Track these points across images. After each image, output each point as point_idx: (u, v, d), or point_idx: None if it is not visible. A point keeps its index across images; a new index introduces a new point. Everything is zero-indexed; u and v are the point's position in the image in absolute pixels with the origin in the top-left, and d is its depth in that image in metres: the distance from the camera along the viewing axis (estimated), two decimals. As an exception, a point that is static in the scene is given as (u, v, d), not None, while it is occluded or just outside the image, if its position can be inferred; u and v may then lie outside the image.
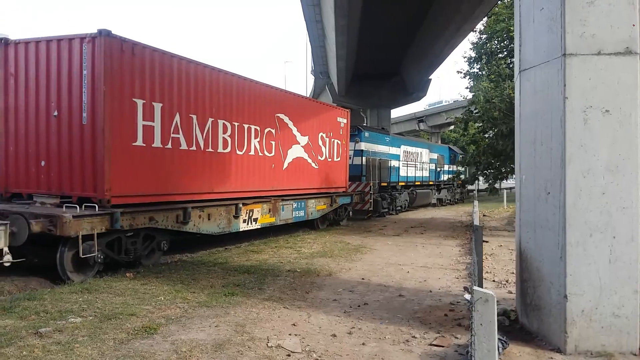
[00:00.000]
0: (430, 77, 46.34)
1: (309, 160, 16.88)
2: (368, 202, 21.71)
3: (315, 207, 17.16)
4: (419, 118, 67.01)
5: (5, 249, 7.87)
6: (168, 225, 10.52)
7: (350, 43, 32.35)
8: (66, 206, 9.12)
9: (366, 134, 23.18)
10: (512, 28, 24.31)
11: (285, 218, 15.20)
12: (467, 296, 7.91)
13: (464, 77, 34.80)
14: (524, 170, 6.67)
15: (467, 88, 46.35)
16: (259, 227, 13.92)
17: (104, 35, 9.18)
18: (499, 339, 5.39)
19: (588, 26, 5.70)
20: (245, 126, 13.46)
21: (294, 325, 6.53)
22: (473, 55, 32.78)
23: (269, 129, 14.52)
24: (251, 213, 13.49)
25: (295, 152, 16.03)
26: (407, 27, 33.10)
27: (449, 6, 27.77)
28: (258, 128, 14.01)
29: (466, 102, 26.65)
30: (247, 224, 13.30)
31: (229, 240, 13.49)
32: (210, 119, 12.03)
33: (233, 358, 5.32)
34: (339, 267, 10.49)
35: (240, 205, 12.85)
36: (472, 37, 34.07)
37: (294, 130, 15.92)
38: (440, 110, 63.43)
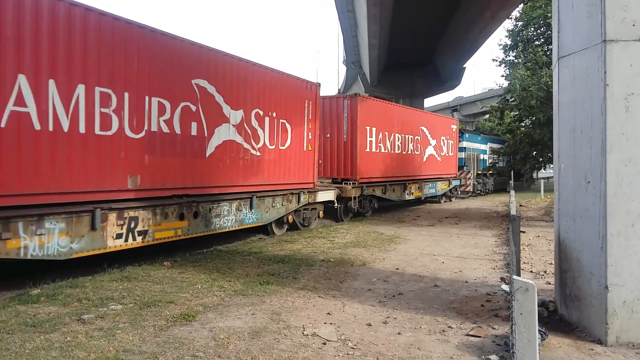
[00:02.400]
0: (464, 66, 45.65)
1: (436, 155, 24.24)
2: (469, 185, 29.27)
3: (440, 187, 25.14)
4: (453, 107, 66.08)
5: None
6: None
7: (382, 32, 32.10)
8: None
9: (467, 135, 30.75)
10: (549, 15, 23.69)
11: (426, 194, 23.53)
12: (505, 287, 7.83)
13: (499, 65, 34.16)
14: (563, 159, 6.53)
15: (502, 76, 45.46)
16: (414, 198, 22.50)
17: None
18: (538, 330, 5.32)
19: (629, 11, 5.53)
20: (409, 137, 21.35)
21: (329, 314, 6.57)
22: (509, 42, 32.06)
23: (417, 137, 22.24)
24: (409, 189, 21.43)
25: (429, 151, 23.47)
26: (441, 15, 32.64)
27: (484, -7, 27.28)
28: (412, 136, 21.65)
29: (502, 91, 26.16)
30: (409, 195, 21.65)
31: (262, 230, 13.60)
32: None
33: (270, 345, 5.39)
34: (373, 257, 10.49)
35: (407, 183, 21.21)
36: (508, 24, 33.30)
37: (428, 135, 23.34)
38: (475, 99, 62.42)
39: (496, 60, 34.46)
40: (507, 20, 31.86)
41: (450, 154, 26.11)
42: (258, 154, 12.52)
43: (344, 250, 11.23)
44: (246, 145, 12.09)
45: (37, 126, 7.61)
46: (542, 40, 27.98)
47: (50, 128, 7.80)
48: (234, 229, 11.76)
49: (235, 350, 5.21)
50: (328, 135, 16.69)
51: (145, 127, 9.43)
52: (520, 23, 30.83)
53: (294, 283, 8.15)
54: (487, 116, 58.97)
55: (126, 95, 9.02)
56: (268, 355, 5.10)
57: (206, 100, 10.83)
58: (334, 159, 17.18)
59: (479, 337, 5.75)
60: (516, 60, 31.57)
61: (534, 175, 28.79)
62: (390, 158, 19.54)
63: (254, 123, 12.36)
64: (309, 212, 15.12)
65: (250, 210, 12.16)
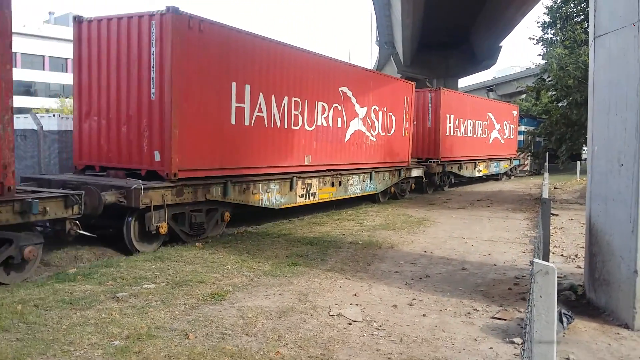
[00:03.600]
0: (500, 45, 44.59)
1: (500, 138, 26.86)
2: (527, 164, 32.23)
3: (503, 166, 28.14)
4: (489, 87, 64.78)
5: None
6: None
7: (416, 11, 31.60)
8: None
9: (525, 120, 33.55)
10: (589, -10, 22.89)
11: (492, 172, 26.54)
12: (533, 270, 7.77)
13: (537, 44, 33.20)
14: (597, 141, 6.40)
15: (539, 55, 44.23)
16: (484, 175, 25.74)
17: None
18: (564, 313, 5.29)
19: (667, -11, 5.34)
20: (478, 122, 24.39)
21: (355, 295, 6.65)
22: (547, 20, 31.12)
23: (485, 122, 25.07)
24: (478, 167, 24.71)
25: (494, 134, 26.33)
26: (477, -8, 31.89)
27: (522, -31, 26.53)
28: (481, 122, 24.61)
29: (538, 70, 25.50)
30: (479, 172, 25.06)
31: (291, 213, 13.73)
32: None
33: (296, 324, 5.50)
34: (401, 240, 10.50)
35: (477, 162, 24.70)
36: (547, 0, 32.32)
37: (494, 120, 26.05)
38: (511, 79, 61.02)
39: (533, 39, 33.48)
40: (545, -3, 30.95)
41: (511, 137, 28.76)
42: (374, 139, 16.34)
43: (372, 232, 11.27)
44: (367, 133, 15.95)
45: (266, 124, 11.68)
46: (581, 17, 27.07)
47: (272, 125, 11.82)
48: (359, 194, 15.92)
49: (263, 329, 5.33)
50: (415, 122, 19.16)
51: (315, 123, 13.42)
52: (559, 0, 29.90)
53: (321, 265, 8.25)
54: (523, 96, 57.65)
55: (306, 101, 12.96)
56: (294, 334, 5.21)
57: (346, 101, 14.74)
58: (419, 142, 20.40)
59: (505, 320, 5.75)
60: (554, 39, 30.68)
61: (582, 156, 28.60)
62: (464, 141, 22.91)
63: (372, 116, 16.19)
64: (405, 185, 18.97)
65: (370, 181, 16.25)
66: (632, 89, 5.55)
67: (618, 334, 5.31)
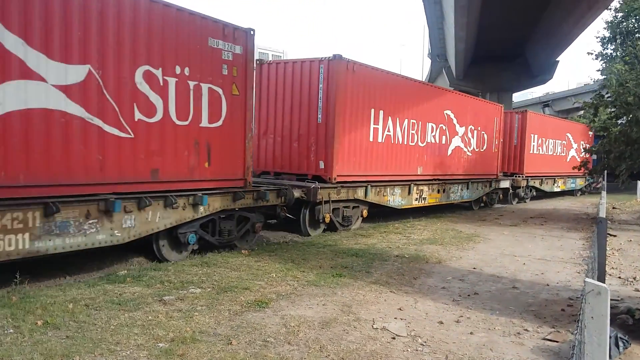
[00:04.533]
0: (557, 59, 43.36)
1: (577, 156, 27.29)
2: (600, 182, 29.78)
3: (579, 183, 29.85)
4: (544, 102, 63.01)
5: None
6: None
7: (470, 24, 31.17)
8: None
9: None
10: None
11: (569, 187, 28.55)
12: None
13: (595, 59, 32.18)
14: (659, 158, 6.09)
15: (598, 71, 42.85)
16: (560, 190, 27.54)
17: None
18: (620, 337, 5.03)
19: None
20: (558, 141, 26.46)
21: (400, 309, 6.53)
22: (607, 35, 30.13)
23: (564, 141, 27.14)
24: (557, 183, 27.01)
25: (571, 153, 27.86)
26: (533, 5, 31.11)
27: (580, -18, 25.82)
28: (560, 141, 26.69)
29: (597, 86, 24.70)
30: (557, 188, 27.11)
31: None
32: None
33: (339, 336, 5.44)
34: (449, 255, 10.28)
35: (556, 178, 26.79)
36: (607, 15, 31.25)
37: (572, 140, 27.94)
38: (568, 95, 59.21)
39: (592, 54, 32.48)
40: (606, 11, 29.95)
41: (587, 155, 28.98)
42: (470, 154, 18.73)
43: (419, 246, 11.09)
44: (465, 149, 18.36)
45: (393, 141, 14.38)
46: (644, 32, 26.09)
47: (396, 142, 14.56)
48: (458, 201, 18.64)
49: (305, 339, 5.31)
50: (501, 140, 21.41)
51: (426, 140, 15.99)
52: (620, 14, 28.91)
53: (366, 277, 8.16)
54: (580, 113, 55.80)
55: (420, 122, 15.58)
56: (336, 346, 5.16)
57: (449, 122, 17.19)
58: (505, 157, 22.81)
59: (557, 341, 5.51)
60: (614, 54, 29.64)
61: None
62: (545, 158, 25.09)
63: (469, 134, 18.54)
64: (494, 195, 21.39)
65: (467, 190, 18.76)
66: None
67: (680, 363, 5.01)
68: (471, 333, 5.77)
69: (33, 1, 6.52)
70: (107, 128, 7.47)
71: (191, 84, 8.63)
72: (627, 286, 8.21)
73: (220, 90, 9.17)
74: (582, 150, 25.31)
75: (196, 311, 6.00)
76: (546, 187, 25.96)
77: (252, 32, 9.73)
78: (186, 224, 8.78)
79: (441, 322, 6.10)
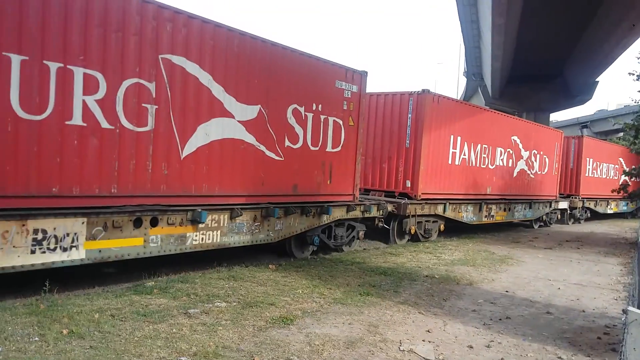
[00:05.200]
0: (597, 79, 42.42)
1: (628, 180, 24.81)
2: None
3: (630, 206, 30.48)
4: (583, 123, 61.61)
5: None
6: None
7: (507, 43, 30.80)
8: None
9: None
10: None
11: (620, 210, 29.40)
12: (627, 320, 7.09)
13: (637, 80, 31.28)
14: None
15: (639, 91, 41.70)
16: (613, 212, 28.54)
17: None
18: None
19: None
20: (611, 165, 27.54)
21: (428, 331, 6.34)
22: (649, 55, 29.29)
23: (616, 165, 28.08)
24: (610, 205, 28.09)
25: (623, 177, 25.51)
26: (573, 25, 30.55)
27: (622, 2, 25.21)
28: (613, 165, 27.71)
29: (637, 107, 24.03)
30: (610, 210, 28.31)
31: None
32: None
33: (364, 357, 5.30)
34: (481, 277, 10.00)
35: (609, 200, 27.62)
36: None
37: (625, 165, 27.35)
38: (607, 116, 57.76)
39: (633, 74, 31.58)
40: (647, 31, 29.15)
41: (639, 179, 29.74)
42: (532, 176, 20.20)
43: (450, 267, 10.83)
44: (528, 172, 19.83)
45: (467, 164, 16.00)
46: (688, 52, 25.28)
47: (470, 165, 16.17)
48: (521, 219, 20.25)
49: (329, 358, 5.19)
50: (560, 163, 23.15)
51: (495, 163, 17.50)
52: (663, 34, 28.09)
53: (394, 297, 7.98)
54: (620, 134, 54.33)
55: (490, 147, 17.07)
56: (361, 367, 5.01)
57: (515, 146, 18.68)
58: (562, 180, 23.71)
59: (593, 372, 5.24)
60: (657, 75, 28.75)
61: None
62: (600, 181, 26.01)
63: (532, 158, 20.00)
64: (552, 214, 22.98)
65: (530, 209, 20.30)
66: None
67: None
68: (502, 359, 5.55)
69: (231, 59, 8.76)
70: (267, 153, 9.61)
71: (322, 117, 10.75)
72: (669, 316, 7.81)
73: (341, 122, 11.27)
74: (623, 173, 24.61)
75: (220, 325, 5.94)
76: (600, 209, 27.13)
77: (365, 74, 11.80)
78: (313, 229, 10.84)
79: (471, 347, 5.89)
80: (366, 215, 12.17)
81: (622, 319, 7.20)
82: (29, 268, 6.37)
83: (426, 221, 14.67)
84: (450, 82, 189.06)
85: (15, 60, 6.19)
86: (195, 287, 7.64)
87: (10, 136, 6.20)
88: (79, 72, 6.76)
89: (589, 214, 26.43)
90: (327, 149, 10.95)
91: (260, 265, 9.68)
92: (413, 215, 13.85)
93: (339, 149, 11.25)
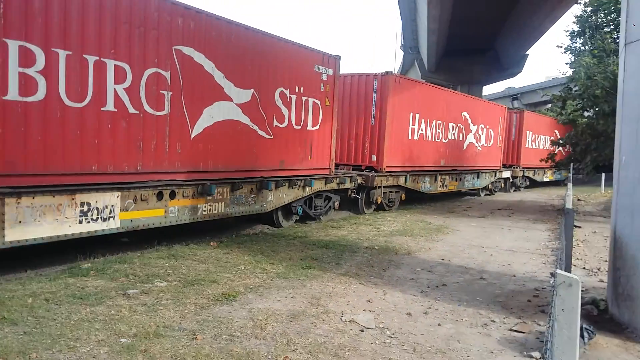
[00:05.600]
0: (527, 52, 43.94)
1: (562, 151, 25.85)
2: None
3: (564, 174, 30.75)
4: (513, 95, 63.79)
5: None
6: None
7: (442, 16, 31.28)
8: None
9: None
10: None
11: (555, 178, 31.62)
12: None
13: (565, 53, 32.58)
14: (625, 151, 6.17)
15: (567, 64, 43.48)
16: (549, 180, 31.05)
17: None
18: (585, 328, 5.08)
19: None
20: (542, 137, 28.88)
21: (369, 301, 6.50)
22: (576, 29, 30.53)
23: (552, 137, 27.87)
24: (546, 173, 30.50)
25: (547, 143, 28.05)
26: (504, -1, 31.38)
27: (550, -25, 26.08)
28: (549, 137, 28.53)
29: (565, 79, 25.06)
30: (546, 178, 30.93)
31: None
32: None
33: (307, 329, 5.38)
34: (419, 247, 10.31)
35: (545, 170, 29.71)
36: (577, 9, 31.60)
37: (560, 137, 26.79)
38: (537, 88, 60.09)
39: (561, 47, 32.91)
40: (575, 5, 30.34)
41: (565, 149, 33.28)
42: (480, 149, 21.82)
43: (389, 238, 11.10)
44: (476, 144, 21.42)
45: (424, 139, 17.44)
46: (611, 26, 26.47)
47: (427, 139, 17.57)
48: (470, 188, 22.17)
49: (272, 332, 5.22)
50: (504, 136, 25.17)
51: (448, 137, 19.15)
52: (589, 9, 29.31)
53: (336, 269, 8.11)
54: (549, 106, 56.72)
55: (444, 122, 18.58)
56: (304, 339, 5.09)
57: (465, 121, 20.29)
58: (504, 151, 25.18)
59: (523, 332, 5.55)
60: (583, 48, 30.08)
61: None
62: (537, 152, 27.27)
63: (479, 132, 21.69)
64: (497, 183, 24.93)
65: (477, 179, 22.13)
66: (664, 98, 5.33)
67: (642, 352, 5.09)
68: (439, 324, 5.78)
69: (230, 48, 9.77)
70: (259, 132, 10.72)
71: (303, 99, 11.87)
72: (591, 277, 8.35)
73: (319, 102, 12.39)
74: (551, 143, 25.75)
75: (161, 305, 5.86)
76: (538, 178, 29.57)
77: (339, 58, 13.00)
78: (297, 200, 12.09)
79: (409, 314, 6.09)
80: (341, 187, 13.56)
81: (551, 282, 7.64)
82: (77, 236, 7.42)
83: (390, 191, 16.12)
84: (389, 56, 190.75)
85: (62, 55, 7.09)
86: (133, 268, 7.47)
87: (59, 122, 7.14)
88: (110, 64, 7.72)
89: (528, 182, 28.87)
90: (308, 128, 12.14)
91: (202, 243, 9.58)
92: (379, 187, 15.18)
93: (317, 127, 12.44)
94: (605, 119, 17.58)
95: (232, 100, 9.96)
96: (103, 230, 7.73)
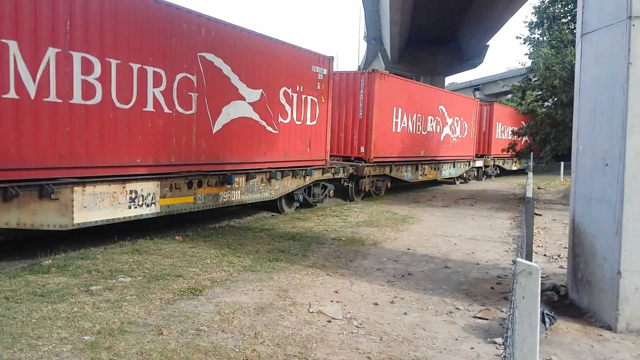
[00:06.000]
0: (487, 44, 44.72)
1: (529, 140, 26.73)
2: (544, 162, 33.03)
3: (529, 163, 31.57)
4: (475, 86, 64.87)
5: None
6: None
7: (405, 7, 31.54)
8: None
9: None
10: (576, -9, 22.78)
11: (522, 167, 32.99)
12: (515, 269, 7.71)
13: (524, 44, 33.22)
14: (582, 140, 6.34)
15: (526, 54, 44.35)
16: (517, 169, 32.80)
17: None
18: (546, 314, 5.23)
19: (659, -15, 5.27)
20: (510, 127, 28.90)
21: (336, 292, 6.54)
22: (534, 20, 31.17)
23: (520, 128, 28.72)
24: (515, 162, 32.01)
25: (524, 138, 26.72)
26: (465, -9, 31.85)
27: (510, -32, 26.52)
28: (516, 128, 25.81)
29: (524, 70, 25.61)
30: (513, 166, 32.41)
31: (274, 208, 13.58)
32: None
33: (274, 322, 5.37)
34: (385, 237, 10.41)
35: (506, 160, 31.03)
36: (535, 0, 32.25)
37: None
38: (497, 79, 61.22)
39: (520, 38, 33.57)
40: (533, -3, 30.95)
41: (515, 138, 34.61)
42: (455, 140, 23.34)
43: (356, 229, 11.17)
44: (452, 136, 22.96)
45: (406, 131, 18.72)
46: (569, 18, 27.13)
47: (408, 131, 18.98)
48: (447, 177, 23.67)
49: (240, 326, 5.20)
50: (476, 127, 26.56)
51: (427, 129, 20.52)
52: (547, 0, 29.94)
53: (303, 260, 8.13)
54: (509, 96, 57.86)
55: (423, 116, 19.96)
56: (272, 331, 5.09)
57: (442, 114, 21.85)
58: (476, 142, 26.64)
59: (486, 319, 5.67)
60: (541, 39, 30.70)
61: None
62: (507, 142, 26.51)
63: (455, 124, 23.20)
64: (471, 172, 26.71)
65: (453, 168, 23.75)
66: (619, 89, 5.50)
67: (600, 335, 5.26)
68: (405, 313, 5.85)
69: (243, 53, 10.96)
70: (267, 127, 11.91)
71: (303, 97, 13.10)
72: (552, 263, 8.58)
73: (316, 100, 13.66)
74: (512, 133, 26.30)
75: (125, 301, 5.76)
76: (507, 167, 31.42)
77: (333, 58, 14.30)
78: (299, 189, 13.43)
79: (376, 304, 6.15)
80: (336, 176, 14.93)
81: (512, 269, 7.82)
82: (128, 219, 8.68)
83: (377, 180, 17.48)
84: (352, 46, 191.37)
85: (113, 64, 8.28)
86: (96, 264, 7.32)
87: (112, 121, 8.34)
88: (150, 71, 8.95)
89: (498, 171, 30.82)
90: (307, 123, 13.39)
91: (166, 237, 9.46)
92: (368, 176, 16.45)
93: (315, 122, 13.70)
94: (564, 108, 18.03)
95: (245, 100, 11.17)
96: (147, 214, 9.03)
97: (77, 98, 7.76)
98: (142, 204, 8.86)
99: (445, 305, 6.22)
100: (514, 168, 32.35)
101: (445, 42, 43.50)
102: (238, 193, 11.16)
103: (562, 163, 27.46)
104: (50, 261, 7.40)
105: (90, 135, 8.00)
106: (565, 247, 9.16)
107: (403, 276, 7.49)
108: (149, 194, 9.00)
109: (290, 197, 13.39)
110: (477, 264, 8.46)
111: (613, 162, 5.54)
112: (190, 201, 9.93)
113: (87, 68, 7.87)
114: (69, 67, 7.62)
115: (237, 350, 4.61)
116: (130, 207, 8.64)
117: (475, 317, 5.79)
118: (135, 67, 8.64)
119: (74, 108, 7.75)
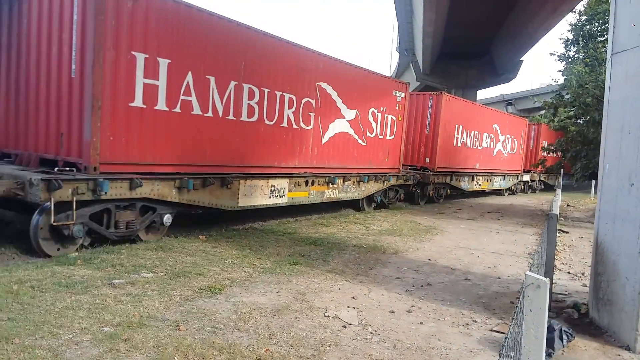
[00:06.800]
0: (521, 59, 44.13)
1: None
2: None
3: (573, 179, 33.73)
4: (508, 101, 64.09)
5: None
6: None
7: (438, 20, 31.40)
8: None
9: None
10: (615, 8, 22.34)
11: (564, 183, 30.67)
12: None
13: (558, 61, 32.77)
14: (608, 159, 6.27)
15: (559, 71, 43.72)
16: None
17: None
18: (564, 330, 5.17)
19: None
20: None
21: (353, 298, 6.57)
22: (570, 37, 30.72)
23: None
24: (559, 178, 30.50)
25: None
26: (500, 5, 31.57)
27: (546, -16, 26.22)
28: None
29: (557, 87, 25.26)
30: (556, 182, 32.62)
31: (299, 212, 13.71)
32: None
33: (289, 323, 5.44)
34: (406, 247, 10.39)
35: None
36: (571, 18, 31.80)
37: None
38: (530, 94, 60.35)
39: (554, 54, 33.11)
40: (570, 14, 30.51)
41: (545, 154, 35.31)
42: (506, 155, 26.04)
43: (378, 237, 11.18)
44: (503, 151, 25.70)
45: (466, 146, 21.62)
46: (605, 36, 26.66)
47: (467, 146, 21.76)
48: (497, 188, 26.36)
49: (255, 325, 5.28)
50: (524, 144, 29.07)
51: (482, 145, 23.09)
52: (584, 18, 29.47)
53: (323, 265, 8.18)
54: (542, 112, 57.00)
55: (479, 132, 22.52)
56: (286, 333, 5.15)
57: (495, 132, 24.59)
58: (524, 158, 29.19)
59: (503, 333, 5.62)
60: (576, 56, 30.22)
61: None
62: (550, 159, 28.54)
63: (506, 141, 25.91)
64: (519, 185, 29.09)
65: (503, 181, 26.30)
66: (649, 107, 5.42)
67: (618, 355, 5.18)
68: (421, 323, 5.85)
69: (346, 81, 13.74)
70: (359, 140, 14.62)
71: (385, 115, 15.77)
72: (575, 281, 8.45)
73: (394, 118, 16.26)
74: (542, 149, 25.95)
75: (146, 296, 5.90)
76: (550, 182, 33.29)
77: (408, 84, 17.19)
78: (378, 192, 16.05)
79: (392, 312, 6.16)
80: (406, 182, 17.39)
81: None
82: (269, 206, 11.54)
83: (438, 188, 20.00)
84: (385, 57, 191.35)
85: (266, 92, 11.17)
86: (121, 258, 7.51)
87: (261, 134, 11.17)
88: (285, 96, 11.67)
89: (543, 186, 32.90)
90: (387, 137, 16.01)
91: (190, 236, 9.63)
92: (432, 183, 18.90)
93: (393, 137, 16.28)
94: (596, 127, 17.72)
95: (344, 118, 13.82)
96: (280, 203, 11.80)
97: (244, 116, 10.62)
98: (278, 195, 11.64)
99: (462, 316, 6.19)
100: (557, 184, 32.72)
101: (479, 56, 43.07)
102: (337, 192, 13.72)
103: (593, 181, 26.94)
104: (76, 254, 7.62)
105: (246, 144, 10.77)
106: (590, 266, 9.02)
107: (422, 286, 7.48)
108: (282, 188, 11.76)
109: (370, 198, 15.82)
110: (499, 277, 8.39)
111: (639, 182, 5.47)
112: (306, 195, 12.58)
113: (250, 95, 10.67)
114: (241, 94, 10.45)
115: (250, 349, 4.68)
116: (270, 197, 11.38)
117: (492, 330, 5.76)
118: (278, 94, 11.43)
119: (242, 124, 10.59)
